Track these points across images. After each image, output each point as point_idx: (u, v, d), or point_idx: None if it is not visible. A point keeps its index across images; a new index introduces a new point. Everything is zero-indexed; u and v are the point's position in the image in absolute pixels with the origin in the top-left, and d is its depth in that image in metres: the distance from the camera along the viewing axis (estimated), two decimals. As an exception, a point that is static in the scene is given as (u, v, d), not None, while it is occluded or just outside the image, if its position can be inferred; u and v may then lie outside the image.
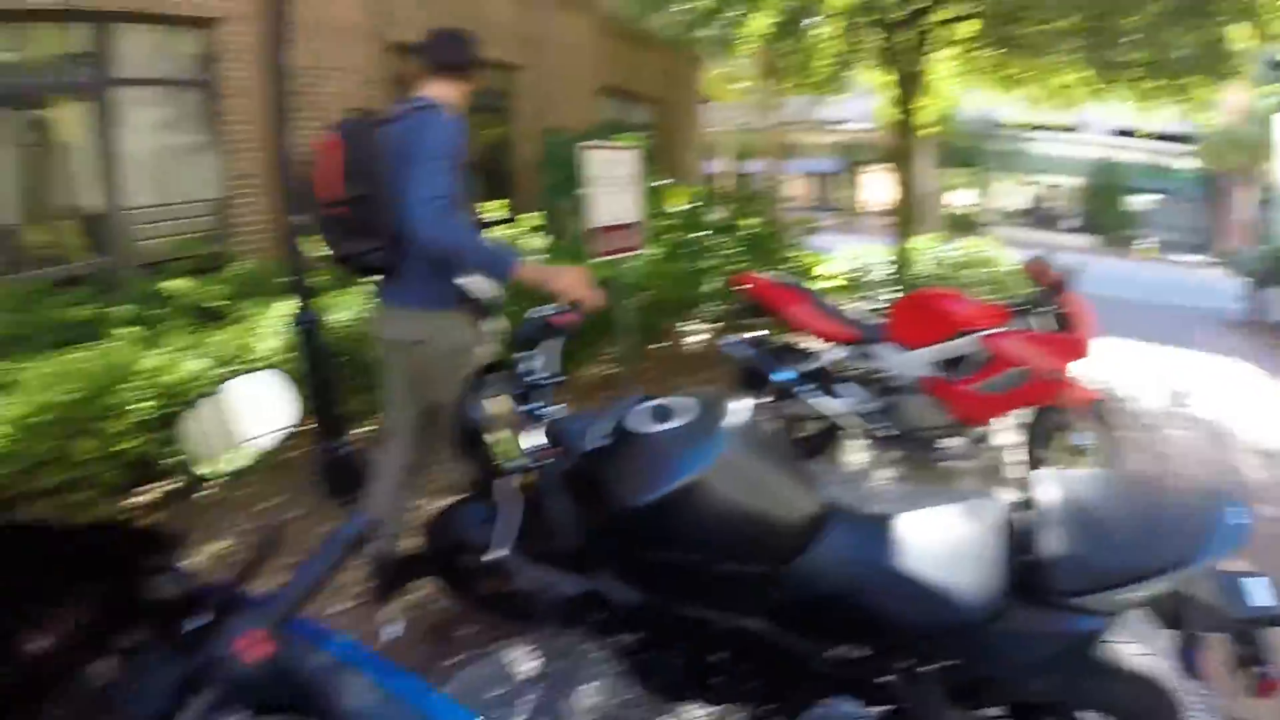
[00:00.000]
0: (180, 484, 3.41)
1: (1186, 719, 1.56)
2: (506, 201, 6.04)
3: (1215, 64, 6.40)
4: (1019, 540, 1.47)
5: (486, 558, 1.57)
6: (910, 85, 7.19)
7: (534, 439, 1.60)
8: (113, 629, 0.88)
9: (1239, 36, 6.18)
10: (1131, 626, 1.49)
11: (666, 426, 1.55)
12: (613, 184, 4.26)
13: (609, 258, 4.20)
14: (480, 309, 2.30)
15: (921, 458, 3.80)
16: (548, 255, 5.32)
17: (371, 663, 0.98)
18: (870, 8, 7.11)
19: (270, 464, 3.55)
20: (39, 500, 2.96)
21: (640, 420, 1.59)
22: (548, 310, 1.83)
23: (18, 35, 4.91)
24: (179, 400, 3.27)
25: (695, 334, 6.44)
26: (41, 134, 5.18)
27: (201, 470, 1.03)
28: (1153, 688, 1.53)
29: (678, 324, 6.09)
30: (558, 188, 7.50)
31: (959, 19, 7.39)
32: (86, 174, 5.21)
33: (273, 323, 3.92)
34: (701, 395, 1.67)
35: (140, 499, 3.44)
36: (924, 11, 6.93)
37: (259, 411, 1.03)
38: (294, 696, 0.92)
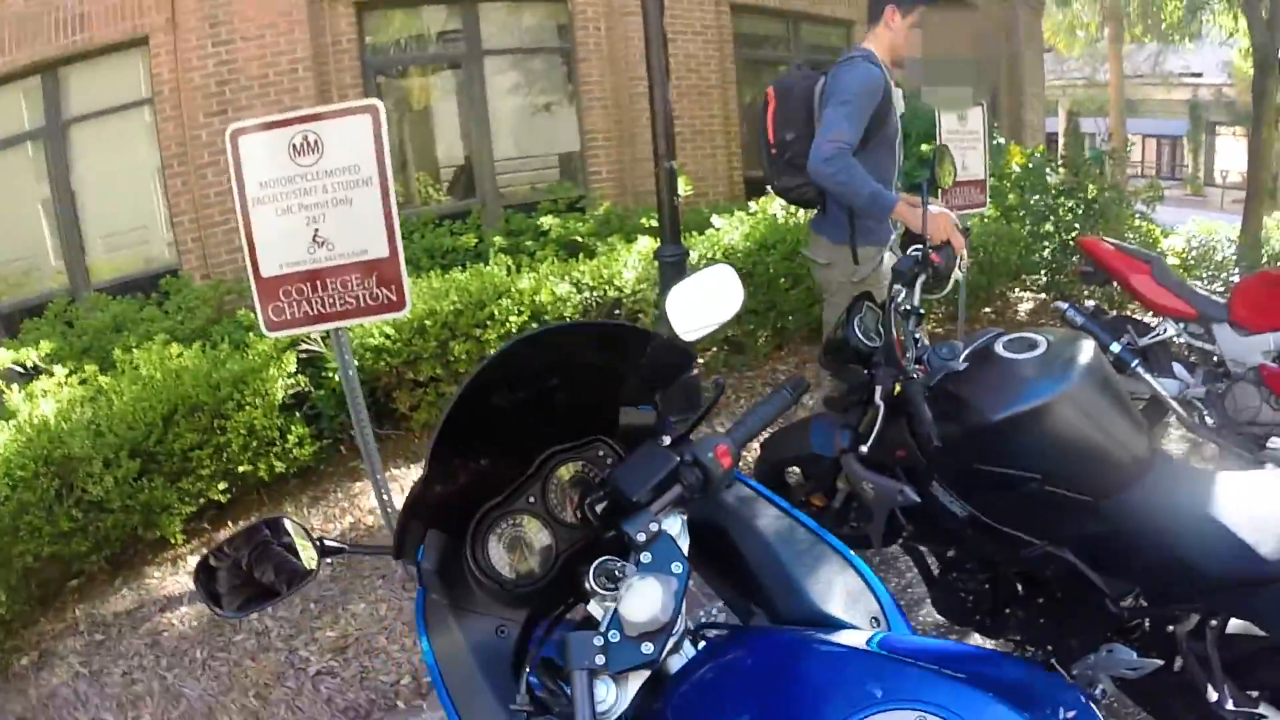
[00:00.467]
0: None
1: None
2: None
3: None
4: None
5: (861, 450, 1.72)
6: (1271, 28, 6.40)
7: (903, 359, 1.72)
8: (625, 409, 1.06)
9: None
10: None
11: (1026, 355, 1.68)
12: (963, 138, 4.34)
13: (956, 213, 4.28)
14: (877, 245, 2.64)
15: (1243, 453, 3.50)
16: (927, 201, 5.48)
17: (777, 500, 1.17)
18: None
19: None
20: (414, 390, 3.70)
21: (1001, 349, 1.72)
22: (919, 248, 1.97)
23: (404, 18, 6.11)
24: (547, 316, 3.87)
25: (1025, 300, 6.28)
26: (424, 98, 6.33)
27: (682, 335, 1.18)
28: None
29: (1009, 288, 5.99)
30: (912, 140, 7.68)
31: None
32: (461, 130, 6.28)
33: (633, 257, 4.38)
34: (1055, 332, 1.79)
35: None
36: None
37: (718, 296, 1.23)
38: (718, 514, 1.09)
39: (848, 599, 1.02)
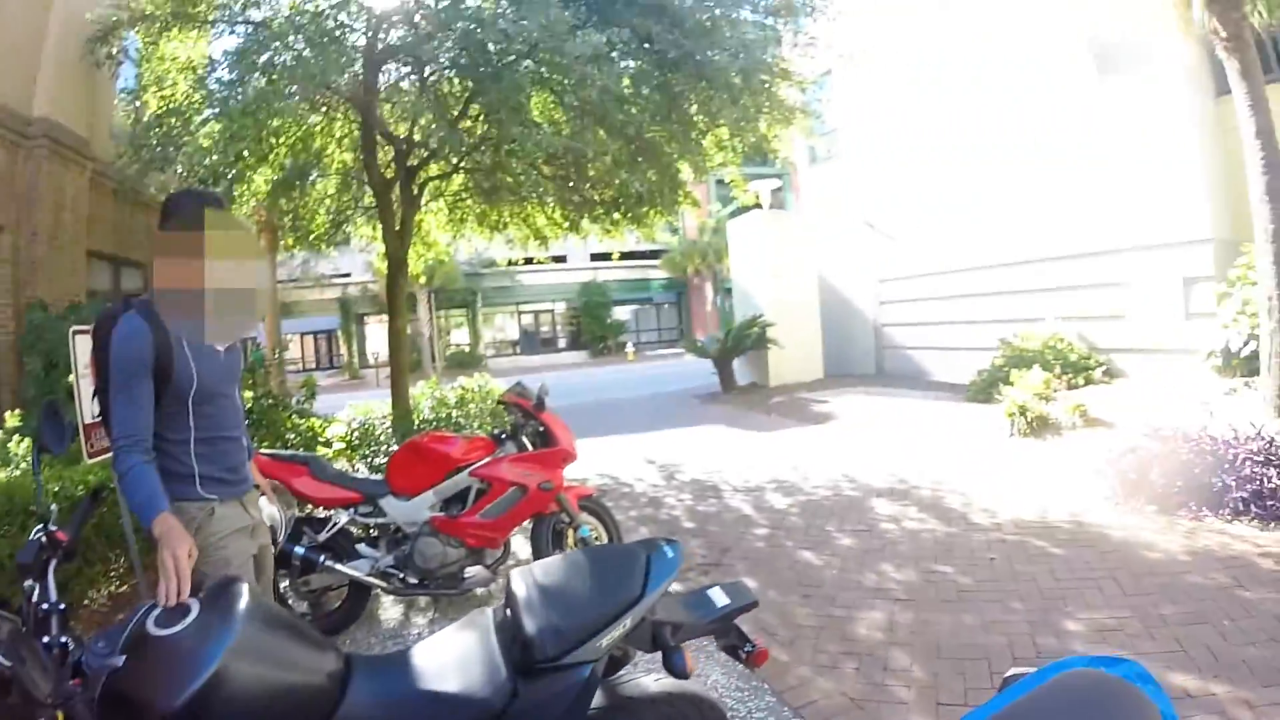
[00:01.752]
0: None
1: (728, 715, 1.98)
2: None
3: (667, 194, 7.79)
4: (507, 632, 1.76)
5: None
6: (400, 238, 7.63)
7: (54, 674, 1.46)
8: None
9: (684, 170, 7.71)
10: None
11: (180, 625, 1.58)
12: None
13: (105, 456, 3.69)
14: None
15: (451, 594, 3.99)
16: (37, 467, 4.39)
17: None
18: (364, 167, 7.53)
19: None
20: None
21: (153, 626, 1.59)
22: (41, 531, 1.73)
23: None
24: None
25: None
26: None
27: None
28: (692, 700, 1.89)
29: None
30: (43, 377, 6.65)
31: (444, 175, 8.18)
32: None
33: None
34: (206, 588, 1.74)
35: None
36: (414, 170, 7.55)
37: None
38: None
39: None
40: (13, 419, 4.84)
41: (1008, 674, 1.16)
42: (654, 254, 30.76)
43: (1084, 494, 5.21)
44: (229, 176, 6.86)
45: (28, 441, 4.52)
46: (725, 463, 7.64)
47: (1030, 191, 10.51)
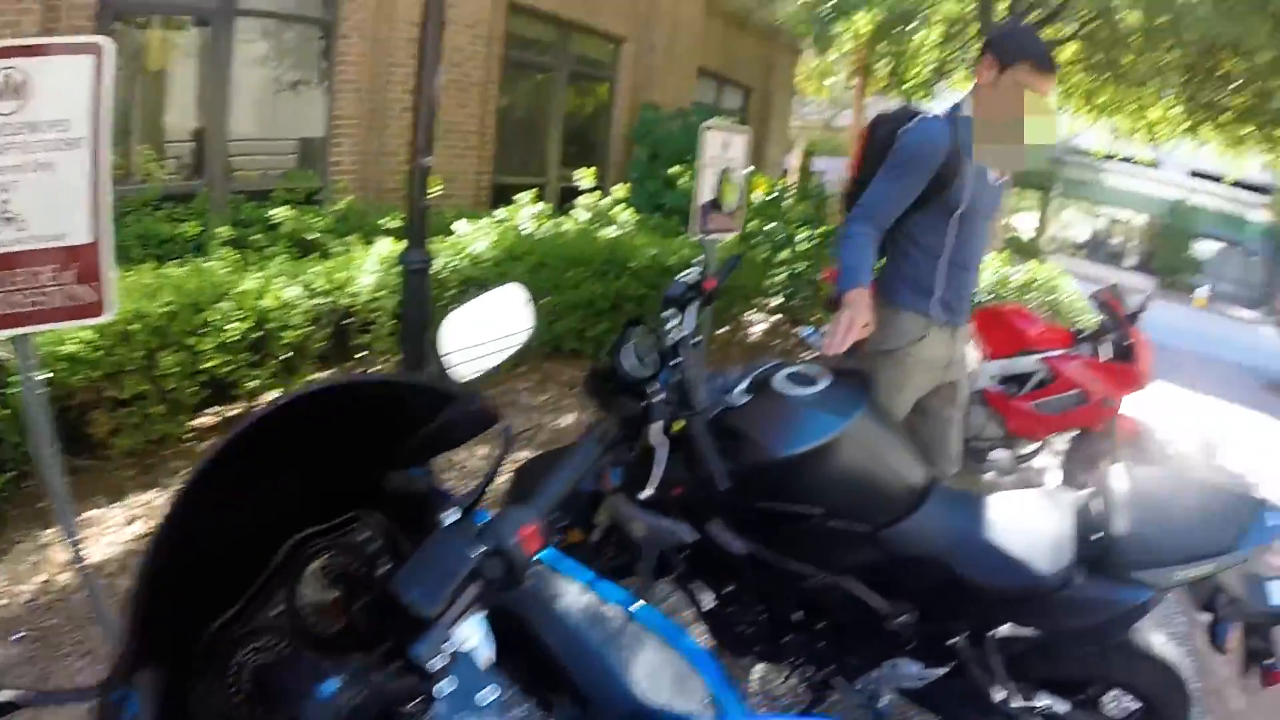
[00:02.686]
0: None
1: (1192, 710, 1.81)
2: (594, 170, 6.04)
3: None
4: (1089, 521, 1.70)
5: (642, 495, 1.62)
6: None
7: (678, 382, 1.64)
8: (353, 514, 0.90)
9: None
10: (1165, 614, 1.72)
11: (808, 390, 1.73)
12: (723, 165, 4.38)
13: (711, 236, 4.32)
14: (918, 315, 2.38)
15: (969, 466, 3.94)
16: (635, 229, 5.43)
17: (578, 570, 1.05)
18: (979, 17, 7.13)
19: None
20: (115, 410, 3.02)
21: (782, 384, 1.76)
22: (694, 273, 1.89)
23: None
24: (272, 324, 3.43)
25: (758, 323, 6.59)
26: (161, 56, 5.42)
27: (457, 373, 1.05)
28: (1172, 675, 1.77)
29: (743, 311, 6.22)
30: (647, 163, 7.74)
31: (1059, 41, 7.38)
32: (196, 97, 5.46)
33: (372, 261, 4.01)
34: (836, 373, 1.84)
35: (210, 420, 3.52)
36: (1035, 27, 6.91)
37: (504, 324, 1.12)
38: (512, 599, 0.90)
39: (673, 684, 0.92)
40: (621, 190, 5.78)
41: None
42: (1265, 190, 24.57)
43: None
44: (830, 17, 6.96)
45: (630, 210, 5.52)
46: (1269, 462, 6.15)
47: None
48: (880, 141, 2.31)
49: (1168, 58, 6.81)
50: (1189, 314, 20.41)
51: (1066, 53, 7.87)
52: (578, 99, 8.80)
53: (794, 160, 19.93)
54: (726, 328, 6.05)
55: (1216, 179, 19.30)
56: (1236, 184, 22.63)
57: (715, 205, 4.14)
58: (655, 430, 1.59)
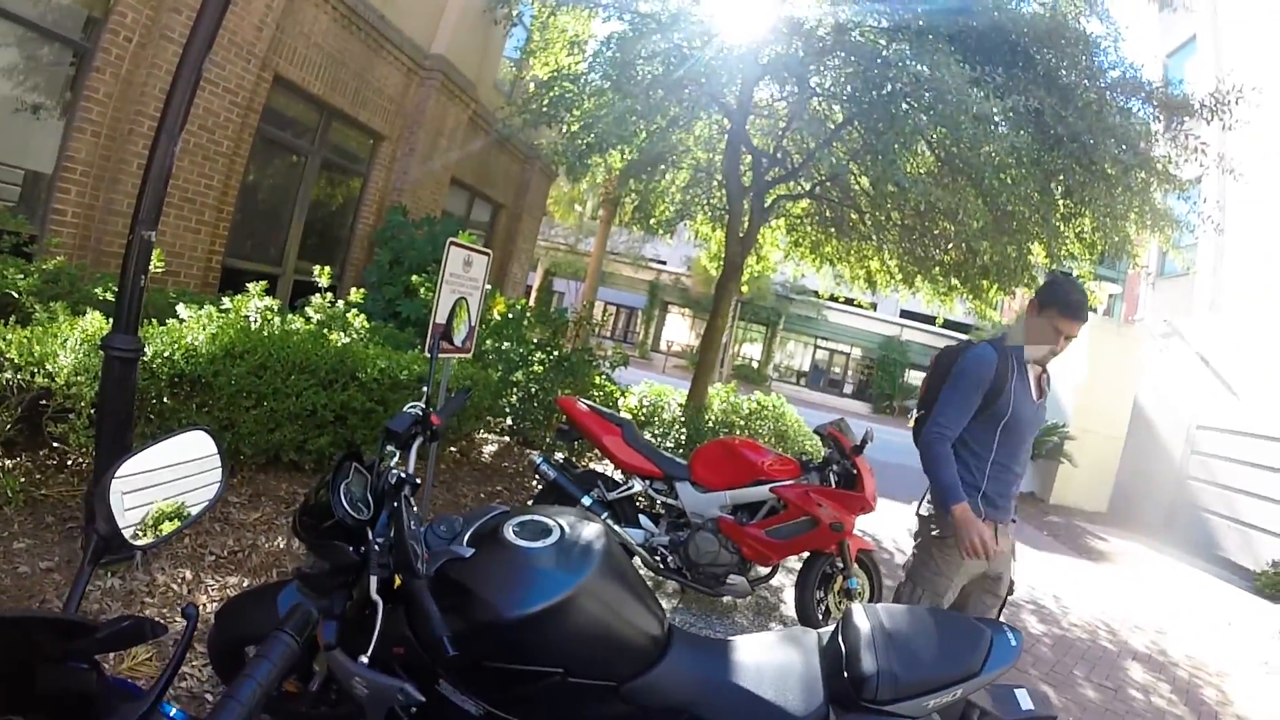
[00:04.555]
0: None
1: None
2: (329, 270, 5.57)
3: (1016, 272, 7.34)
4: (834, 661, 1.74)
5: (363, 659, 1.43)
6: (743, 244, 7.78)
7: (396, 539, 1.51)
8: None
9: (1036, 252, 7.26)
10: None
11: (540, 544, 1.64)
12: (463, 283, 4.40)
13: (444, 356, 4.31)
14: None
15: (704, 592, 4.05)
16: (367, 337, 5.14)
17: None
18: (724, 172, 7.75)
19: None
20: None
21: (511, 535, 1.66)
22: (419, 407, 1.81)
23: None
24: None
25: (490, 443, 6.47)
26: None
27: (135, 538, 0.98)
28: None
29: (476, 430, 6.05)
30: (388, 268, 7.50)
31: (794, 196, 8.23)
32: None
33: (74, 336, 3.46)
34: (561, 514, 1.79)
35: None
36: (768, 185, 7.67)
37: (189, 474, 1.02)
38: None
39: None
40: (357, 295, 5.46)
41: None
42: (965, 327, 29.23)
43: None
44: (598, 146, 7.13)
45: (363, 317, 5.22)
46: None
47: None
48: (941, 370, 2.84)
49: (889, 218, 7.76)
50: (905, 433, 23.73)
51: (798, 208, 8.78)
52: (328, 189, 8.40)
53: (536, 279, 20.55)
54: (455, 448, 5.88)
55: (929, 319, 22.96)
56: (945, 324, 26.94)
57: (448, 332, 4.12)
58: (373, 589, 1.44)
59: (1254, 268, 11.85)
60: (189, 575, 3.11)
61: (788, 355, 35.43)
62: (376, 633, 1.41)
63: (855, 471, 3.99)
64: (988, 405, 2.70)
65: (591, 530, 1.73)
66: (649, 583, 4.23)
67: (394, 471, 1.59)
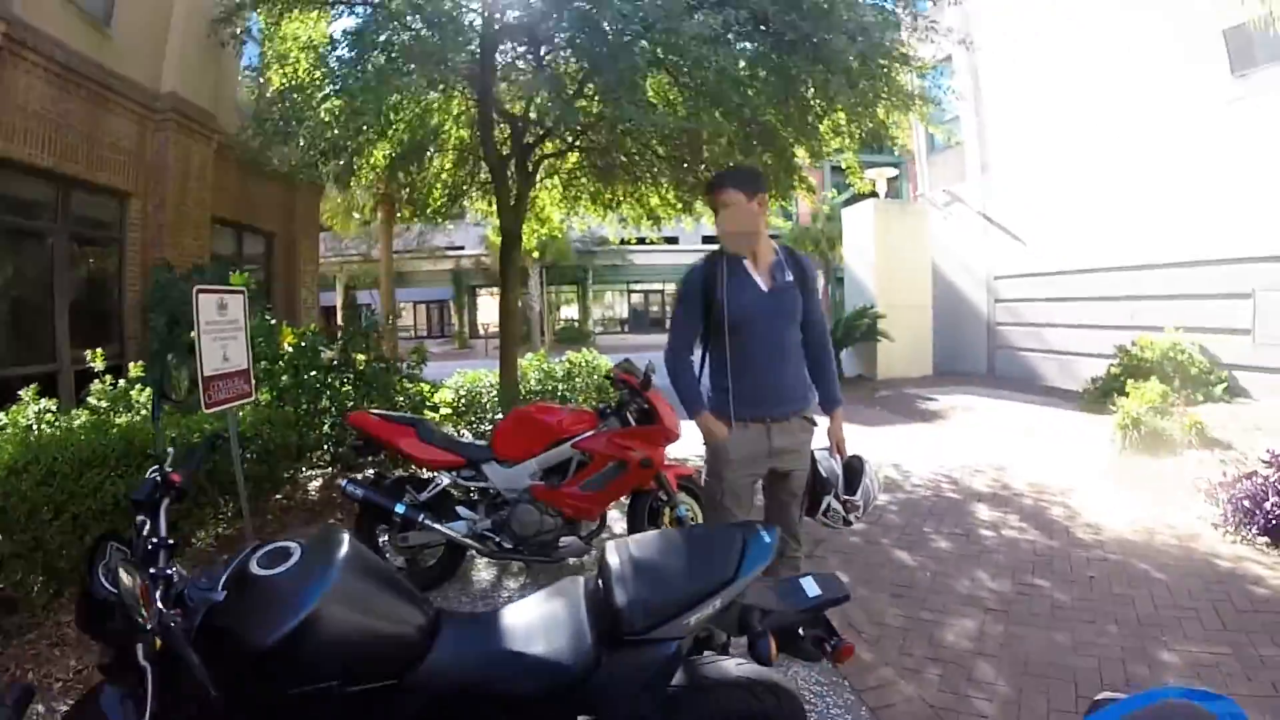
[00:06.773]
0: None
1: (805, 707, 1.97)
2: (102, 352, 4.93)
3: (782, 178, 7.65)
4: (597, 602, 1.79)
5: None
6: (515, 213, 7.74)
7: (158, 603, 1.52)
8: None
9: (800, 155, 7.59)
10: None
11: (281, 568, 1.64)
12: (224, 329, 4.17)
13: (221, 407, 4.09)
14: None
15: (544, 561, 4.08)
16: (157, 414, 4.82)
17: None
18: (480, 144, 7.68)
19: None
20: None
21: (256, 567, 1.66)
22: (158, 470, 1.82)
23: None
24: None
25: (316, 478, 6.24)
26: None
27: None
28: (770, 688, 1.88)
29: (297, 470, 5.80)
30: (166, 331, 7.04)
31: (559, 153, 8.28)
32: None
33: None
34: (307, 534, 1.79)
35: None
36: (529, 148, 7.65)
37: None
38: None
39: None
40: (136, 369, 5.08)
41: (1097, 697, 1.12)
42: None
43: (1193, 518, 4.98)
44: (349, 150, 7.12)
45: (149, 390, 4.79)
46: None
47: (1157, 192, 9.96)
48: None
49: (654, 153, 7.93)
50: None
51: (569, 163, 8.83)
52: (86, 265, 7.70)
53: (339, 297, 19.71)
54: (280, 495, 5.61)
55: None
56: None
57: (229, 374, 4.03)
58: (140, 655, 1.46)
59: (1012, 130, 12.95)
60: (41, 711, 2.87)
61: (606, 307, 36.16)
62: (150, 695, 1.43)
63: (649, 406, 4.06)
64: (710, 313, 2.87)
65: (333, 541, 1.74)
66: (492, 567, 4.30)
67: (148, 539, 1.67)
